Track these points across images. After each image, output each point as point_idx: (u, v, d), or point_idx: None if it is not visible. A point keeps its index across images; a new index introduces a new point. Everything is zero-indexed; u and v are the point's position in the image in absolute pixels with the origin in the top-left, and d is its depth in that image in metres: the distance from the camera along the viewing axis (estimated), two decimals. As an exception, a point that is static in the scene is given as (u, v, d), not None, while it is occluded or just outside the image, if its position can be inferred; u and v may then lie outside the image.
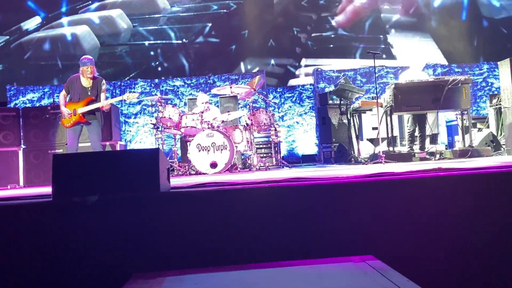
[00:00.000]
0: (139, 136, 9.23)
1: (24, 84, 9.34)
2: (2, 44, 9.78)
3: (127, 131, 9.19)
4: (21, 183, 6.61)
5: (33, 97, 9.18)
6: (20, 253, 2.26)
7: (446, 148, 7.10)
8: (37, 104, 8.99)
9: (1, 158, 6.54)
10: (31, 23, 9.90)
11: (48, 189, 4.29)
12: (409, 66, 6.96)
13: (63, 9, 10.02)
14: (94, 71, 5.36)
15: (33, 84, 9.29)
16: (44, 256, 2.25)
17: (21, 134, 6.76)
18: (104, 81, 5.48)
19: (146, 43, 10.03)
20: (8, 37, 9.82)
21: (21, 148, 6.72)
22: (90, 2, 10.05)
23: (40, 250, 2.26)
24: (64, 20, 9.97)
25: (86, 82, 5.34)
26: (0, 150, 6.55)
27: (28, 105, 8.98)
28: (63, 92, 5.44)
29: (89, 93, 5.32)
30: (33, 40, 9.86)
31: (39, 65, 9.83)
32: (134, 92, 5.56)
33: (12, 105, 9.00)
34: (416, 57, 9.20)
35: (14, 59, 9.83)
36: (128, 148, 8.60)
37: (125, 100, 5.61)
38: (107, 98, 5.53)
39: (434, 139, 6.84)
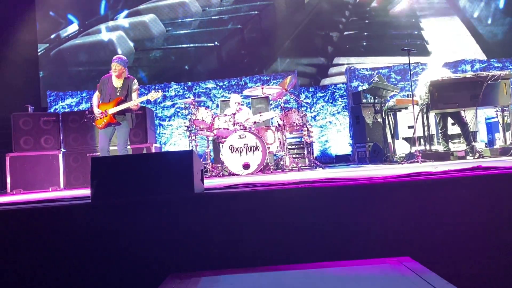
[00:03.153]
0: (173, 138, 9.39)
1: (63, 89, 9.68)
2: (42, 51, 10.17)
3: (162, 133, 9.36)
4: (62, 185, 6.84)
5: (71, 102, 9.51)
6: (60, 253, 2.33)
7: (486, 146, 6.87)
8: (76, 109, 9.31)
9: (43, 162, 6.79)
10: (69, 31, 10.25)
11: (87, 191, 4.42)
12: (427, 63, 6.77)
13: (99, 16, 10.32)
14: (121, 70, 5.33)
15: (71, 90, 9.63)
16: (83, 256, 2.32)
17: (61, 138, 7.00)
18: (135, 81, 5.46)
19: (179, 46, 10.19)
20: (48, 44, 10.21)
21: (61, 152, 6.96)
22: (124, 8, 10.31)
23: (79, 250, 2.33)
24: (100, 26, 10.27)
25: (117, 82, 5.36)
26: (41, 153, 6.81)
27: (67, 110, 9.30)
28: (96, 93, 5.46)
29: (118, 93, 5.33)
30: (71, 47, 10.21)
31: (77, 71, 10.16)
32: (158, 91, 5.56)
33: (52, 110, 9.35)
34: (445, 53, 8.96)
35: (53, 65, 10.21)
36: (162, 150, 8.76)
37: (149, 100, 5.59)
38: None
39: (473, 136, 6.63)
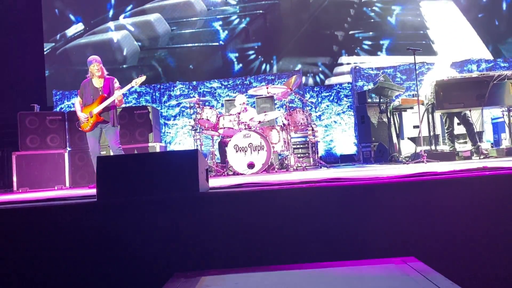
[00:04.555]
0: (178, 137, 9.41)
1: (69, 88, 9.72)
2: (48, 50, 10.22)
3: (167, 133, 9.38)
4: (67, 184, 6.87)
5: (77, 101, 9.55)
6: (65, 251, 2.35)
7: (492, 147, 6.83)
8: (81, 108, 9.33)
9: (49, 160, 6.82)
10: (74, 30, 10.30)
11: (92, 190, 4.44)
12: (434, 63, 6.74)
13: (105, 15, 10.35)
14: (102, 69, 5.41)
15: (77, 89, 9.65)
16: (88, 255, 2.33)
17: (67, 137, 7.03)
18: (116, 80, 5.52)
19: (184, 46, 10.21)
20: (53, 44, 10.26)
21: (67, 151, 6.99)
22: (130, 8, 10.34)
23: (84, 248, 2.34)
24: (106, 26, 10.31)
25: (97, 82, 5.42)
26: (47, 152, 6.84)
27: (73, 109, 9.32)
28: (78, 98, 5.55)
29: (100, 93, 5.38)
30: (76, 46, 10.25)
31: (83, 70, 10.16)
32: (141, 76, 5.56)
33: (58, 109, 9.39)
34: (451, 53, 8.92)
35: (59, 64, 10.25)
36: (167, 149, 8.78)
37: (133, 86, 5.61)
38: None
39: (479, 137, 6.59)
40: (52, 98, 9.66)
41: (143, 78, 5.58)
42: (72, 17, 10.35)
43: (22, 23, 9.59)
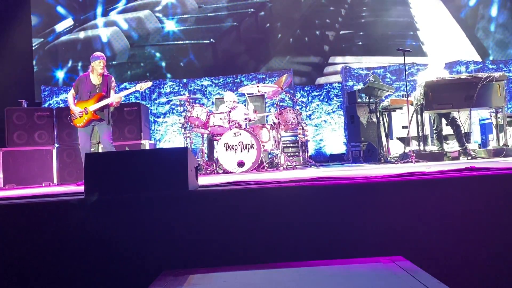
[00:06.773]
0: (168, 135, 9.36)
1: (57, 84, 9.61)
2: (37, 46, 10.09)
3: (157, 130, 9.33)
4: (55, 181, 6.80)
5: (65, 97, 9.44)
6: (53, 249, 2.32)
7: (480, 147, 6.90)
8: (70, 104, 9.24)
9: (36, 157, 6.75)
10: (64, 25, 10.19)
11: (80, 187, 4.40)
12: (428, 64, 6.80)
13: (95, 11, 10.26)
14: (104, 67, 5.36)
15: (66, 85, 9.57)
16: (75, 252, 2.31)
17: (55, 133, 6.96)
18: (113, 78, 5.48)
19: (175, 43, 10.16)
20: (42, 39, 10.13)
21: (55, 147, 6.91)
22: (120, 4, 10.25)
23: (72, 246, 2.32)
24: (96, 22, 10.21)
25: (95, 79, 5.35)
26: (35, 148, 6.76)
27: (61, 105, 9.23)
28: (72, 92, 5.43)
29: (98, 90, 5.31)
30: (66, 42, 10.14)
31: (72, 66, 10.10)
32: (146, 81, 5.50)
33: (46, 105, 9.29)
34: (441, 54, 9.00)
35: (48, 60, 10.14)
36: (157, 147, 8.73)
37: (138, 91, 5.58)
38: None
39: (467, 137, 6.66)
40: (40, 94, 9.55)
41: (149, 83, 5.49)
42: (61, 13, 10.23)
43: (11, 18, 9.45)
